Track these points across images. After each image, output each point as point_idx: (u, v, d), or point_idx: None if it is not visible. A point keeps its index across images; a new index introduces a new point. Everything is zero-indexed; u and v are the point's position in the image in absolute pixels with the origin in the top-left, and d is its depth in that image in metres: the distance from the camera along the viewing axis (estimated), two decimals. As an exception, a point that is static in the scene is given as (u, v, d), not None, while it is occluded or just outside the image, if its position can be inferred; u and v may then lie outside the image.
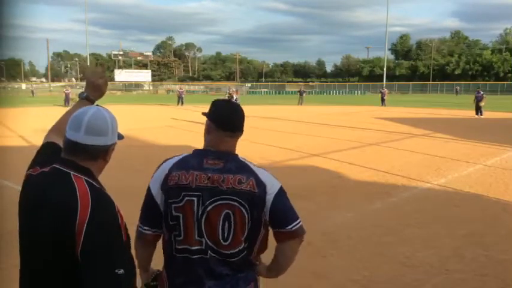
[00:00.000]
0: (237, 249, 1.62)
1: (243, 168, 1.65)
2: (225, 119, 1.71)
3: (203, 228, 1.61)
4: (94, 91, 1.82)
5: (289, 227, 1.65)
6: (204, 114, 1.79)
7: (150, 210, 1.70)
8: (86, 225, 1.31)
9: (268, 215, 1.64)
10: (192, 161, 1.66)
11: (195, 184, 1.61)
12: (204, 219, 1.60)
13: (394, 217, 5.61)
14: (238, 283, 1.67)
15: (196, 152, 1.72)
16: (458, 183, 7.39)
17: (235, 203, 1.59)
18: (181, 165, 1.66)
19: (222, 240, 1.60)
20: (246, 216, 1.61)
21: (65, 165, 1.43)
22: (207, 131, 1.74)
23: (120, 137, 1.57)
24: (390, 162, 9.33)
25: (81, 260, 1.32)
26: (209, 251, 1.62)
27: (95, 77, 1.84)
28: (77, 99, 1.88)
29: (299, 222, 1.68)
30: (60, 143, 1.57)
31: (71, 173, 1.41)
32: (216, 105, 1.78)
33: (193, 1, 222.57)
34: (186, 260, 1.64)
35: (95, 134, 1.43)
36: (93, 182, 1.43)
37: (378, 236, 4.90)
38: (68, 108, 1.65)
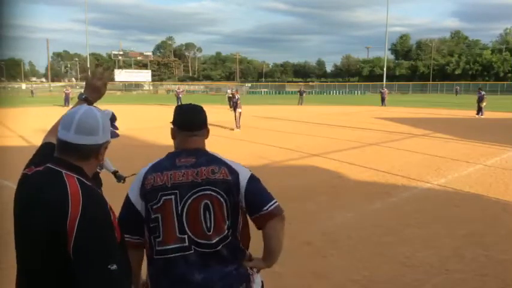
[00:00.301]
0: (221, 236, 1.66)
1: (214, 160, 1.74)
2: (184, 121, 1.81)
3: (185, 223, 1.64)
4: (93, 92, 1.83)
5: (265, 208, 1.71)
6: (171, 122, 1.87)
7: (129, 218, 1.70)
8: (77, 221, 1.32)
9: (244, 201, 1.71)
10: (165, 163, 1.75)
11: (170, 183, 1.67)
12: (185, 214, 1.65)
13: (394, 217, 5.61)
14: (227, 276, 1.67)
15: (169, 154, 1.80)
16: (458, 183, 7.38)
17: (212, 193, 1.66)
18: (155, 168, 1.73)
19: (206, 230, 1.64)
20: (224, 204, 1.67)
21: (57, 164, 1.44)
22: (173, 136, 1.84)
23: (115, 135, 1.57)
24: (390, 162, 9.33)
25: (73, 256, 1.33)
26: (193, 246, 1.65)
27: (94, 78, 1.84)
28: (77, 99, 1.89)
29: (275, 203, 1.74)
30: None
31: (63, 171, 1.42)
32: (176, 110, 1.87)
33: (193, 1, 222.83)
34: (167, 260, 1.65)
35: (86, 134, 1.43)
36: (85, 181, 1.44)
37: (378, 236, 4.90)
38: (68, 109, 1.65)
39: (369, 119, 20.55)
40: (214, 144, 13.52)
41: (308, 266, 4.05)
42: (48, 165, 1.46)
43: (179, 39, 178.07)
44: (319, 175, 8.20)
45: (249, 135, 13.96)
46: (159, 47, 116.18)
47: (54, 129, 1.77)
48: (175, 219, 1.65)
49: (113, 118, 4.29)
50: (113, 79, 67.42)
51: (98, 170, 4.39)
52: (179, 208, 1.65)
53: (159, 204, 1.66)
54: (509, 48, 77.10)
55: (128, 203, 1.72)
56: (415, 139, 13.44)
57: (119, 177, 4.66)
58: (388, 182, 7.49)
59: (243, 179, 1.72)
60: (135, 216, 1.70)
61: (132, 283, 1.73)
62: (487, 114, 22.32)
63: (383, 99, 33.03)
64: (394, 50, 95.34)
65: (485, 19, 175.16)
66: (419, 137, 14.02)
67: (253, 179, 1.75)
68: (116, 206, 1.54)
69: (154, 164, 1.76)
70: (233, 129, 15.24)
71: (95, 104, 1.82)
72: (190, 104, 1.92)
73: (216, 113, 24.02)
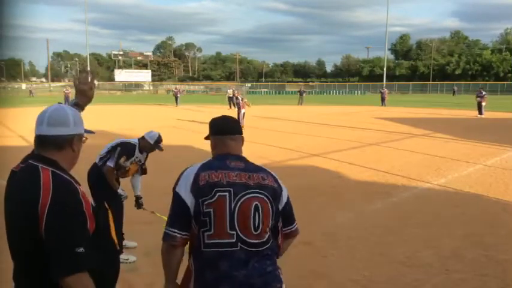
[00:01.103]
0: (265, 237, 1.79)
1: (261, 168, 1.90)
2: (225, 126, 1.99)
3: (236, 220, 1.74)
4: (81, 97, 1.93)
5: (293, 225, 1.93)
6: (206, 138, 2.06)
7: (179, 214, 1.78)
8: (47, 207, 1.45)
9: (282, 213, 1.87)
10: (216, 163, 1.87)
11: (225, 180, 1.78)
12: (237, 211, 1.75)
13: (394, 217, 5.60)
14: (265, 275, 1.76)
15: (217, 156, 1.93)
16: (458, 183, 7.38)
17: (263, 196, 1.79)
18: (207, 166, 1.84)
19: (253, 230, 1.75)
20: (270, 208, 1.81)
21: (36, 159, 1.58)
22: (214, 146, 1.99)
23: (90, 132, 1.76)
24: (390, 162, 9.33)
25: (44, 238, 1.45)
26: (239, 243, 1.74)
27: (80, 83, 1.94)
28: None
29: (296, 224, 1.97)
30: None
31: (39, 165, 1.55)
32: (213, 121, 2.05)
33: (193, 1, 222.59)
34: (216, 254, 1.73)
35: (56, 125, 1.58)
36: (60, 172, 1.55)
37: (378, 236, 4.90)
38: None
39: (369, 119, 20.55)
40: (214, 144, 13.22)
41: (308, 266, 4.05)
42: (29, 161, 1.59)
43: (179, 39, 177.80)
44: (319, 175, 8.20)
45: (249, 135, 13.89)
46: (159, 47, 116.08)
47: None
48: (228, 215, 1.74)
49: (158, 140, 4.57)
50: (112, 79, 67.32)
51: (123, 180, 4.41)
52: (232, 205, 1.74)
53: (213, 199, 1.74)
54: (509, 48, 77.05)
55: (178, 199, 1.79)
56: (415, 139, 13.44)
57: (138, 204, 4.70)
58: (388, 182, 7.49)
59: (285, 193, 1.90)
60: (186, 211, 1.76)
61: (169, 281, 1.84)
62: (487, 114, 22.33)
63: (383, 99, 33.05)
64: (394, 50, 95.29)
65: (485, 19, 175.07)
66: (419, 137, 14.02)
67: (289, 197, 1.93)
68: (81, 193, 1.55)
69: (205, 163, 1.87)
70: None
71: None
72: (222, 115, 2.11)
73: (216, 113, 24.04)
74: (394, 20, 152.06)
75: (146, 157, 4.68)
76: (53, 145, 1.58)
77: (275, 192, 1.84)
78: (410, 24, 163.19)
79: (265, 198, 1.79)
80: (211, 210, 1.73)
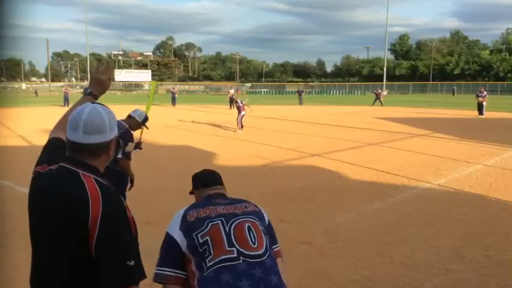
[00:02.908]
0: (263, 249, 1.85)
1: (241, 199, 2.04)
2: (203, 180, 2.13)
3: (233, 239, 1.81)
4: (98, 86, 1.88)
5: (276, 246, 1.99)
6: (190, 192, 2.19)
7: (170, 252, 1.82)
8: (99, 220, 1.37)
9: (267, 229, 1.97)
10: (202, 202, 1.98)
11: (214, 214, 1.88)
12: (233, 231, 1.83)
13: (394, 217, 5.60)
14: (270, 284, 1.76)
15: (203, 199, 2.05)
16: (458, 183, 7.38)
17: (251, 219, 1.91)
18: (194, 206, 1.94)
19: (251, 244, 1.82)
20: (260, 227, 1.92)
21: (73, 164, 1.48)
22: (197, 198, 2.10)
23: (145, 118, 1.63)
24: (390, 162, 9.33)
25: (95, 254, 1.38)
26: (241, 257, 1.77)
27: (98, 72, 1.90)
28: (77, 98, 1.91)
29: (278, 246, 2.04)
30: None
31: (80, 171, 1.45)
32: (193, 177, 2.19)
33: (193, 1, 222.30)
34: (218, 269, 1.74)
35: (93, 133, 1.47)
36: (101, 180, 1.48)
37: (378, 236, 4.90)
38: (67, 108, 1.67)
39: (369, 119, 20.54)
40: (215, 144, 13.47)
41: (308, 266, 4.05)
42: (63, 165, 1.49)
43: (179, 39, 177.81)
44: (319, 175, 8.20)
45: (249, 135, 13.95)
46: (159, 47, 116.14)
47: (60, 124, 1.80)
48: (224, 236, 1.81)
49: (145, 118, 4.67)
50: (112, 78, 67.34)
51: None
52: (226, 228, 1.83)
53: (206, 230, 1.81)
54: (509, 48, 77.02)
55: (168, 238, 1.84)
56: (415, 139, 13.44)
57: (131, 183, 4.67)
58: (388, 182, 7.48)
59: (266, 216, 2.02)
60: (175, 250, 1.81)
61: None
62: (487, 114, 22.34)
63: (376, 99, 32.94)
64: (393, 50, 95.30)
65: (485, 19, 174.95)
66: (419, 137, 14.02)
67: (269, 220, 2.05)
68: (124, 201, 1.54)
69: (191, 205, 1.97)
70: (235, 131, 15.18)
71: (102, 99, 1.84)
72: (204, 169, 2.24)
73: (217, 114, 24.04)
74: (394, 20, 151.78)
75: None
76: (90, 153, 1.48)
77: (258, 215, 1.97)
78: (410, 24, 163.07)
79: (253, 220, 1.91)
80: (208, 238, 1.79)
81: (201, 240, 1.78)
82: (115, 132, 1.56)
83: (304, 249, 4.48)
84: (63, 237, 1.41)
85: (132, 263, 1.40)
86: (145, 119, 4.70)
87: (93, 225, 1.37)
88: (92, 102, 1.59)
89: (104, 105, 1.58)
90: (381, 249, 4.51)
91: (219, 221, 1.84)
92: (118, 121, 4.53)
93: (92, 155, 1.49)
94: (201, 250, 1.77)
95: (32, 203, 1.52)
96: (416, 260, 4.22)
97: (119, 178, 4.28)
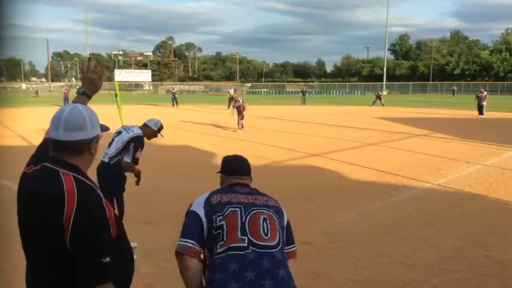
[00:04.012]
0: (276, 241, 1.88)
1: (264, 193, 2.09)
2: (232, 167, 2.18)
3: (247, 228, 1.85)
4: (89, 86, 1.88)
5: (292, 246, 2.04)
6: (218, 172, 2.23)
7: (193, 226, 1.89)
8: (72, 218, 1.39)
9: (285, 227, 2.03)
10: (225, 189, 2.06)
11: (235, 200, 1.95)
12: (248, 221, 1.88)
13: (394, 217, 5.60)
14: (277, 278, 1.77)
15: (224, 186, 2.12)
16: (458, 183, 7.38)
17: (269, 212, 1.96)
18: (217, 191, 2.01)
19: (263, 235, 1.86)
20: (277, 221, 1.96)
21: (54, 163, 1.50)
22: (221, 182, 2.17)
23: (105, 128, 1.68)
24: (390, 162, 9.33)
25: (71, 249, 1.41)
26: (251, 246, 1.81)
27: (89, 71, 1.89)
28: (76, 93, 1.92)
29: (296, 246, 2.08)
30: None
31: (60, 170, 1.48)
32: (223, 161, 2.23)
33: (193, 1, 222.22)
34: (226, 256, 1.78)
35: (73, 130, 1.49)
36: (82, 178, 1.50)
37: (378, 236, 4.90)
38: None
39: (369, 119, 20.54)
40: (216, 144, 13.44)
41: (308, 266, 4.05)
42: (45, 164, 1.51)
43: (179, 39, 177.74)
44: (319, 175, 8.20)
45: (249, 136, 13.94)
46: (159, 47, 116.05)
47: None
48: (239, 224, 1.86)
49: (161, 126, 4.70)
50: (112, 78, 67.26)
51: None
52: (243, 217, 1.88)
53: (225, 214, 1.88)
54: (509, 48, 76.99)
55: (194, 214, 1.91)
56: (415, 139, 13.44)
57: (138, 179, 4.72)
58: (388, 182, 7.48)
59: (286, 214, 2.07)
60: (198, 226, 1.88)
61: None
62: (487, 114, 22.34)
63: (377, 100, 32.95)
64: (393, 50, 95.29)
65: (485, 19, 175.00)
66: (419, 137, 14.02)
67: (289, 220, 2.09)
68: (103, 200, 1.54)
69: (214, 190, 2.04)
70: (235, 131, 15.17)
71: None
72: (235, 155, 2.28)
73: (217, 114, 24.03)
74: (394, 20, 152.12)
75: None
76: (71, 150, 1.50)
77: (279, 211, 2.02)
78: (410, 24, 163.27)
79: (271, 213, 1.95)
80: (224, 223, 1.85)
81: (218, 224, 1.84)
82: (97, 131, 1.57)
83: (304, 249, 4.47)
84: (45, 235, 1.43)
85: (108, 259, 1.41)
86: (161, 127, 4.72)
87: (67, 221, 1.39)
88: (76, 102, 1.64)
89: (86, 106, 1.61)
90: (381, 249, 4.51)
91: (239, 209, 1.90)
92: (136, 135, 4.59)
93: (72, 152, 1.51)
94: (215, 233, 1.83)
95: (18, 204, 1.54)
96: (416, 260, 4.22)
97: (116, 174, 4.30)
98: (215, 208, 1.89)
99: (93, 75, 1.88)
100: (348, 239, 4.80)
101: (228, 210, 1.88)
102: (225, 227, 1.83)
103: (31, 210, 1.46)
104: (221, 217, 1.86)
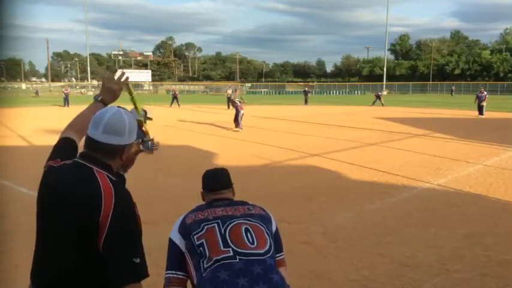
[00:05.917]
0: (266, 248, 1.81)
1: (246, 202, 2.00)
2: (211, 182, 2.07)
3: (228, 240, 1.79)
4: (109, 95, 1.90)
5: (281, 254, 1.95)
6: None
7: (171, 255, 1.87)
8: (110, 217, 1.40)
9: (274, 233, 1.94)
10: (202, 206, 1.97)
11: (212, 216, 1.87)
12: (228, 234, 1.81)
13: (394, 217, 5.60)
14: (270, 282, 1.71)
15: (205, 202, 2.04)
16: (458, 183, 7.38)
17: (251, 222, 1.87)
18: (193, 210, 1.94)
19: (248, 244, 1.79)
20: (263, 229, 1.88)
21: (88, 160, 1.52)
22: (203, 198, 2.08)
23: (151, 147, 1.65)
24: (390, 162, 9.33)
25: (102, 250, 1.41)
26: (237, 256, 1.75)
27: (112, 82, 1.91)
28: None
29: (283, 254, 1.99)
30: (77, 140, 1.71)
31: (94, 168, 1.49)
32: (203, 176, 2.13)
33: (193, 1, 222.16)
34: (214, 268, 1.73)
35: (112, 134, 1.52)
36: (114, 178, 1.51)
37: (378, 236, 4.90)
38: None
39: (369, 119, 20.54)
40: (215, 144, 13.46)
41: (308, 266, 4.05)
42: (78, 160, 1.53)
43: (179, 39, 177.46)
44: (319, 175, 8.20)
45: (249, 135, 13.94)
46: (159, 47, 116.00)
47: (71, 126, 1.83)
48: (219, 238, 1.80)
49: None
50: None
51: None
52: (222, 230, 1.82)
53: (202, 232, 1.82)
54: (509, 48, 77.00)
55: (171, 244, 1.88)
56: (415, 139, 13.44)
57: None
58: (388, 182, 7.48)
59: (274, 221, 1.97)
60: (177, 253, 1.85)
61: None
62: (487, 114, 22.35)
63: (376, 100, 32.94)
64: (393, 50, 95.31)
65: (485, 19, 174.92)
66: (419, 137, 14.02)
67: (277, 227, 1.99)
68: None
69: (193, 208, 1.97)
70: (235, 131, 15.16)
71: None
72: (215, 169, 2.16)
73: (217, 114, 24.04)
74: (394, 20, 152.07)
75: None
76: (104, 152, 1.52)
77: (264, 218, 1.92)
78: (410, 24, 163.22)
79: (254, 222, 1.87)
80: (203, 240, 1.80)
81: (197, 242, 1.80)
82: (133, 139, 1.59)
83: (304, 249, 4.47)
84: (73, 231, 1.43)
85: (138, 260, 1.42)
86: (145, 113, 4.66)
87: (104, 221, 1.40)
88: (118, 106, 1.64)
89: (128, 111, 1.62)
90: (381, 249, 4.51)
91: (215, 224, 1.83)
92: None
93: (106, 154, 1.53)
94: (197, 252, 1.79)
95: (43, 196, 1.54)
96: (416, 260, 4.21)
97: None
98: (190, 227, 1.84)
99: (115, 86, 1.90)
100: (348, 239, 4.80)
101: (205, 228, 1.83)
102: (205, 243, 1.79)
103: (63, 202, 1.46)
104: (199, 234, 1.81)
